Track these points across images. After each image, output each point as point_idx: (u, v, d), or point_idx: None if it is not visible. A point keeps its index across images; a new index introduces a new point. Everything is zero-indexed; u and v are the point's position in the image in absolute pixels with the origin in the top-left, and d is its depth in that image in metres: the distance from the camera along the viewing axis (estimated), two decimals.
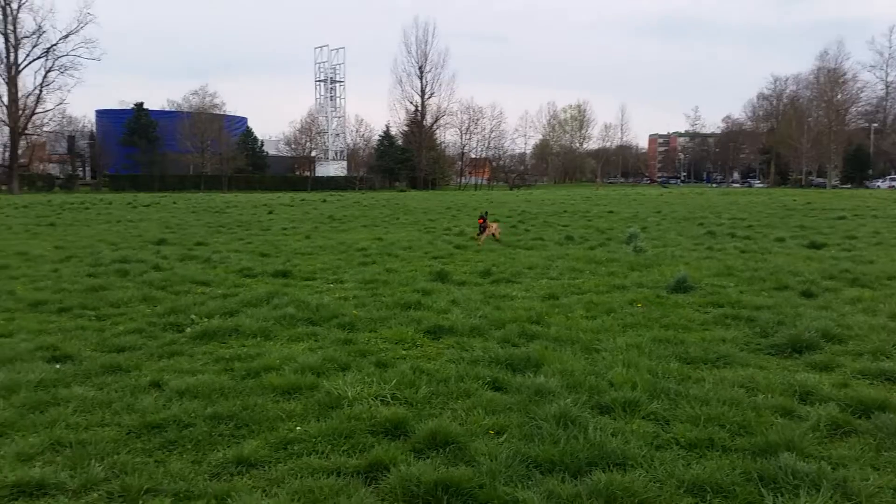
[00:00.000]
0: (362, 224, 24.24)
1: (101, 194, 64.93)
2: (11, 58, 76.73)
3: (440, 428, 4.71)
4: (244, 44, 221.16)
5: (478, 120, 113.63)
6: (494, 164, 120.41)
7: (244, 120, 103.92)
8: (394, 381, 5.71)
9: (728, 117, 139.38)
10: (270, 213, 31.22)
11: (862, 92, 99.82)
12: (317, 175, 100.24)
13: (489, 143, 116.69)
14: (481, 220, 16.53)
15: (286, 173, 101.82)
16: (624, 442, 4.57)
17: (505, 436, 4.73)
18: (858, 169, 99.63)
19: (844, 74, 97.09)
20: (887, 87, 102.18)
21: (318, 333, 7.74)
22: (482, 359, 6.54)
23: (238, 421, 5.03)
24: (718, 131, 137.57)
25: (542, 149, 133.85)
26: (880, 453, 4.48)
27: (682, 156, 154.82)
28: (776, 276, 11.23)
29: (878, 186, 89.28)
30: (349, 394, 5.44)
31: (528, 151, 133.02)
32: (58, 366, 6.47)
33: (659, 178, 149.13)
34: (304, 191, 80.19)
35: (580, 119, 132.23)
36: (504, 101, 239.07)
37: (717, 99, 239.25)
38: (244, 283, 11.34)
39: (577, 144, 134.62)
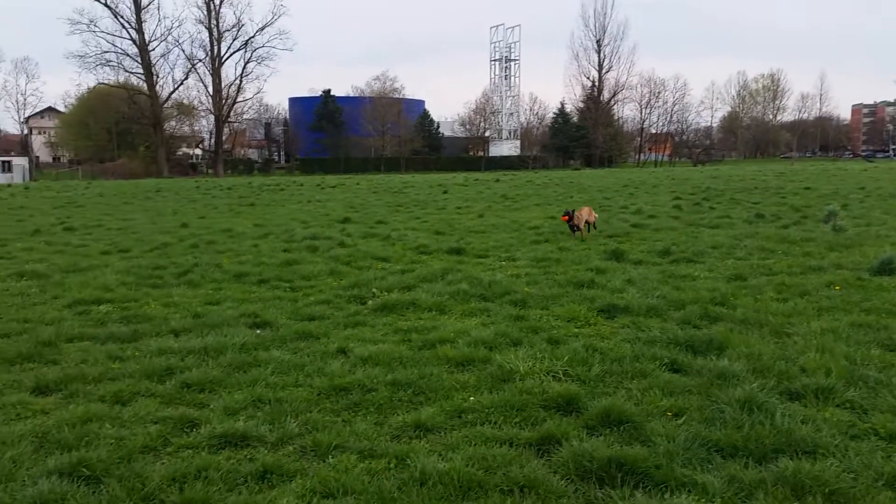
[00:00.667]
0: (535, 203, 24.21)
1: (294, 176, 69.86)
2: (215, 50, 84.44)
3: (614, 406, 4.65)
4: (423, 28, 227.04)
5: (659, 93, 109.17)
6: (676, 139, 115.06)
7: (421, 103, 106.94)
8: (566, 358, 5.71)
9: None
10: (445, 192, 32.01)
11: None
12: (490, 155, 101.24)
13: (671, 117, 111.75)
14: (566, 218, 13.52)
15: (460, 154, 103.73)
16: (815, 430, 4.27)
17: (683, 418, 4.58)
18: None
19: None
20: None
21: (490, 309, 7.88)
22: (659, 339, 6.35)
23: (416, 388, 5.26)
24: None
25: (731, 122, 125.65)
26: None
27: (890, 127, 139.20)
28: None
29: None
30: (521, 368, 5.51)
31: (714, 125, 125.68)
32: (258, 331, 7.10)
33: (863, 151, 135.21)
34: (478, 171, 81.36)
35: (773, 89, 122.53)
36: (688, 72, 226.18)
37: None
38: (420, 259, 11.77)
39: (770, 116, 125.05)
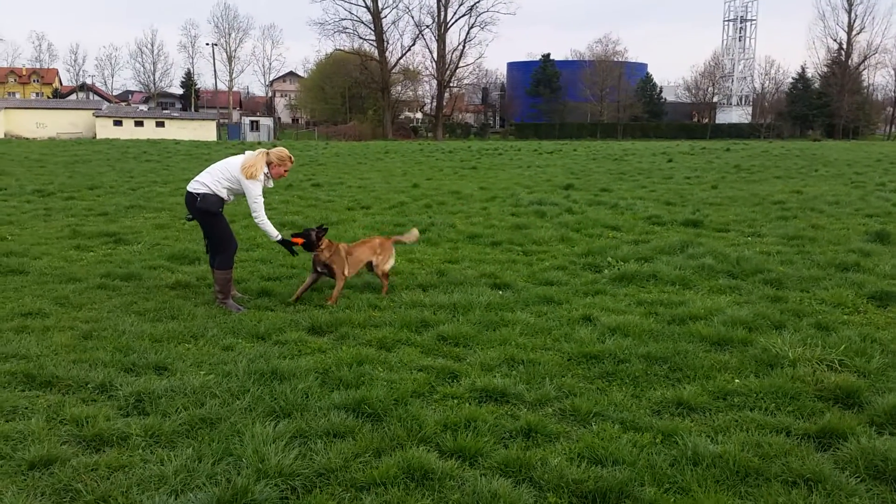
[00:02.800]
0: (774, 175, 22.39)
1: (509, 141, 70.58)
2: (442, 16, 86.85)
3: None
4: None
5: None
6: None
7: (644, 66, 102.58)
8: (841, 347, 5.22)
9: None
10: (670, 161, 30.63)
11: None
12: (716, 122, 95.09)
13: None
14: (299, 240, 6.94)
15: (683, 120, 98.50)
16: None
17: None
18: None
19: None
20: None
21: (740, 287, 7.44)
22: None
23: (671, 364, 5.10)
24: None
25: None
26: None
27: None
28: None
29: None
30: (789, 354, 5.13)
31: None
32: (500, 292, 7.28)
33: None
34: (703, 139, 76.82)
35: None
36: None
37: None
38: (653, 230, 11.39)
39: None
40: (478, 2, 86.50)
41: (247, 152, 6.89)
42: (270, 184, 6.97)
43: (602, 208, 14.13)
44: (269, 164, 6.82)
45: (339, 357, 5.22)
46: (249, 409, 4.32)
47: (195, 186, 6.79)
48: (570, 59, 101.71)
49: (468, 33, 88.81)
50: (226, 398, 4.46)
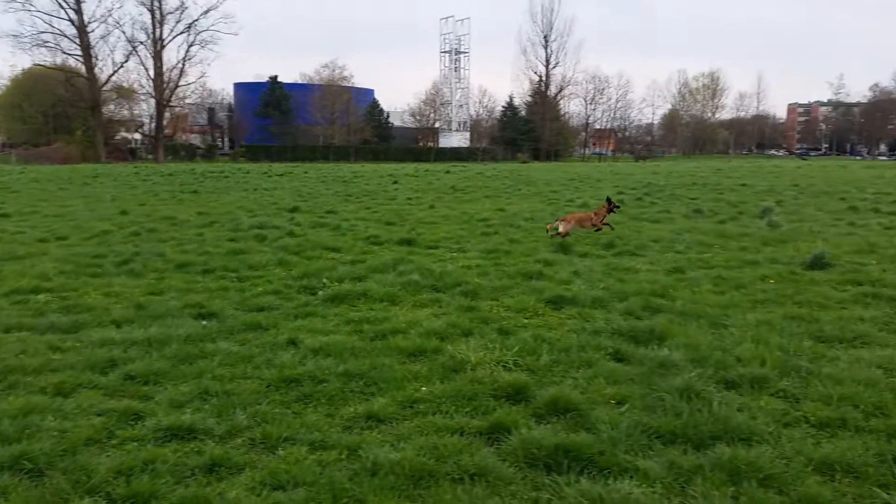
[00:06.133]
0: (484, 195, 24.35)
1: (239, 164, 68.50)
2: (157, 33, 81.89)
3: (561, 395, 4.77)
4: (373, 16, 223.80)
5: (603, 90, 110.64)
6: (619, 135, 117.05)
7: (371, 92, 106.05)
8: (516, 349, 5.81)
9: (876, 86, 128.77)
10: (395, 183, 31.93)
11: None
12: (440, 146, 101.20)
13: (615, 114, 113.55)
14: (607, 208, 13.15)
15: (410, 144, 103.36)
16: (750, 418, 4.48)
17: (626, 406, 4.73)
18: None
19: None
20: None
21: (441, 300, 7.94)
22: (604, 330, 6.52)
23: (368, 379, 5.28)
24: (865, 100, 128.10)
25: (671, 119, 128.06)
26: None
27: (823, 126, 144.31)
28: None
29: None
30: (472, 358, 5.59)
31: (655, 122, 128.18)
32: (204, 322, 7.00)
33: (797, 149, 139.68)
34: (428, 161, 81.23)
35: (713, 88, 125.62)
36: (631, 69, 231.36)
37: (864, 66, 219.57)
38: (371, 250, 11.75)
39: (709, 114, 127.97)
40: (196, 20, 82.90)
41: None
42: None
43: (325, 230, 14.27)
44: None
45: (2, 409, 4.63)
46: None
47: None
48: (300, 81, 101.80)
49: (188, 51, 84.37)
50: None
